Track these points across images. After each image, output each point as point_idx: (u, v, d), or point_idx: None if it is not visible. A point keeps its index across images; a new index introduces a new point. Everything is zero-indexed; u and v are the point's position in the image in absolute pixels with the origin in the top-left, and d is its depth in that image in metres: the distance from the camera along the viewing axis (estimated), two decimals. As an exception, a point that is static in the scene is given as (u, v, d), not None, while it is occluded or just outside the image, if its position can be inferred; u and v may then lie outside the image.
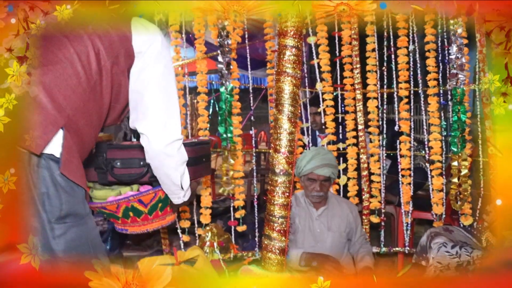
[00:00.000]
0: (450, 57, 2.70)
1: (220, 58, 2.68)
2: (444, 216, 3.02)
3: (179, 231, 3.04)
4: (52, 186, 1.23)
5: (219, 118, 2.75)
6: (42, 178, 1.22)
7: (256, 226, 3.15)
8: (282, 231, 1.77)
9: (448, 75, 2.85)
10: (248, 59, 3.09)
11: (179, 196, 1.62)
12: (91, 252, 1.32)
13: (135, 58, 1.42)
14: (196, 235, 3.02)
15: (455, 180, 2.77)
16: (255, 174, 3.29)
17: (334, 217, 2.65)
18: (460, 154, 2.74)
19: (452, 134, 2.74)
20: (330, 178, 2.62)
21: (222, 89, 2.75)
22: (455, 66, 2.67)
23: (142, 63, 1.43)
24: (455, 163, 2.77)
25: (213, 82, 3.73)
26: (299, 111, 1.84)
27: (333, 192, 2.78)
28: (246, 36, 3.04)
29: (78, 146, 1.34)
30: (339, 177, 3.10)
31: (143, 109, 1.44)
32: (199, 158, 1.73)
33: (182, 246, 3.07)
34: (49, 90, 1.25)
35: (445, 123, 3.01)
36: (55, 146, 1.25)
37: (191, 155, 1.62)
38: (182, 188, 1.58)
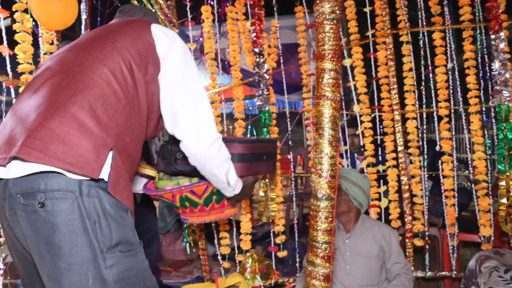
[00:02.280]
0: (492, 73, 2.63)
1: (258, 84, 2.70)
2: (493, 238, 2.90)
3: (219, 257, 3.03)
4: (102, 215, 1.20)
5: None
6: (93, 207, 1.19)
7: (297, 251, 3.11)
8: (326, 257, 1.73)
9: (490, 91, 2.78)
10: (284, 84, 3.10)
11: (229, 190, 1.64)
12: (141, 284, 1.29)
13: (160, 64, 1.43)
14: (237, 261, 2.99)
15: (504, 200, 2.66)
16: (294, 198, 3.26)
17: (365, 241, 2.55)
18: (508, 173, 2.64)
19: (499, 152, 2.64)
20: (356, 199, 2.53)
21: (261, 115, 2.76)
22: (498, 82, 2.59)
23: (166, 68, 1.44)
24: (503, 183, 2.66)
25: (250, 108, 3.76)
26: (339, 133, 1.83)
27: (369, 216, 2.70)
28: (282, 61, 3.05)
29: (127, 162, 1.34)
30: (379, 199, 3.03)
31: (175, 115, 1.43)
32: (257, 155, 1.77)
33: (222, 273, 3.05)
34: (93, 113, 1.24)
35: (489, 141, 2.92)
36: (104, 169, 1.22)
37: (246, 151, 1.69)
38: (229, 183, 1.59)
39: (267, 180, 2.85)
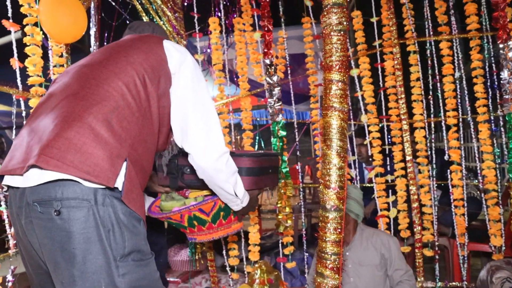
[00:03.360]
0: (502, 82, 2.62)
1: (269, 95, 2.72)
2: (504, 248, 2.87)
3: (228, 268, 3.02)
4: (116, 224, 1.22)
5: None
6: (107, 216, 1.21)
7: (305, 261, 3.09)
8: (335, 269, 1.72)
9: (498, 100, 2.76)
10: (292, 94, 3.10)
11: (237, 203, 1.66)
12: None
13: (172, 79, 1.47)
14: (245, 272, 2.98)
15: (515, 210, 2.64)
16: (303, 209, 3.25)
17: (366, 251, 2.54)
18: (519, 182, 2.62)
19: (510, 162, 2.62)
20: (352, 213, 2.54)
21: (274, 127, 2.77)
22: (507, 91, 2.58)
23: (177, 83, 1.47)
24: (514, 192, 2.64)
25: (257, 119, 3.76)
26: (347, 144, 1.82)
27: (366, 226, 2.68)
28: (289, 72, 3.07)
29: (140, 173, 1.37)
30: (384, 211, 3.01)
31: (185, 128, 1.46)
32: (264, 169, 1.78)
33: (231, 284, 3.04)
34: (108, 124, 1.26)
35: (498, 150, 2.90)
36: (119, 179, 1.24)
37: (254, 165, 1.71)
38: (237, 196, 1.61)
39: (282, 191, 2.85)
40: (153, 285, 1.30)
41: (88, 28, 2.43)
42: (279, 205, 2.89)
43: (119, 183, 1.24)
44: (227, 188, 1.56)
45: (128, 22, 3.04)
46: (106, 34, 3.24)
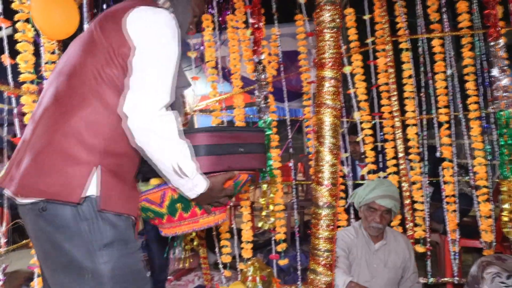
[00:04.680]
0: (492, 79, 2.64)
1: (257, 92, 2.71)
2: (494, 243, 2.90)
3: (220, 266, 3.02)
4: (96, 217, 1.29)
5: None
6: (88, 211, 1.29)
7: (298, 258, 3.10)
8: (328, 265, 1.73)
9: (490, 97, 2.79)
10: (285, 92, 3.11)
11: (188, 187, 1.37)
12: (135, 283, 1.35)
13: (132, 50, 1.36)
14: (238, 269, 2.99)
15: (507, 206, 2.66)
16: (295, 206, 3.26)
17: (391, 253, 2.54)
18: (510, 179, 2.64)
19: (500, 158, 2.64)
20: (391, 211, 2.50)
21: (260, 123, 2.77)
22: (498, 88, 2.60)
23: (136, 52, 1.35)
24: (505, 188, 2.66)
25: (250, 116, 3.77)
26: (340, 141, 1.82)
27: (388, 226, 2.70)
28: (282, 69, 3.07)
29: (123, 170, 1.38)
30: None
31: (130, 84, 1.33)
32: (228, 147, 1.51)
33: (224, 282, 3.04)
34: (77, 137, 1.30)
35: (489, 147, 2.93)
36: (91, 188, 1.29)
37: (212, 142, 1.47)
38: (185, 175, 1.33)
39: (265, 187, 2.85)
40: (136, 275, 1.36)
41: (81, 24, 2.41)
42: (262, 203, 2.89)
43: (92, 191, 1.29)
44: (166, 160, 1.31)
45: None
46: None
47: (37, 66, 2.36)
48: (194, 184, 1.37)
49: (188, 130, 1.44)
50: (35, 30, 2.32)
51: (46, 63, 2.42)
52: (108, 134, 1.33)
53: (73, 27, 2.32)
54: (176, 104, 1.46)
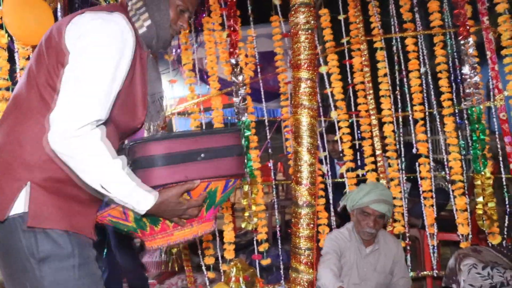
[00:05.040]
0: (463, 77, 2.71)
1: (235, 94, 2.73)
2: (470, 236, 2.97)
3: (203, 268, 3.03)
4: (28, 233, 1.24)
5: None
6: (19, 226, 1.25)
7: (281, 258, 3.12)
8: (309, 263, 1.76)
9: (462, 94, 2.85)
10: (262, 92, 3.13)
11: (131, 204, 1.25)
12: None
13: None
14: (221, 271, 3.00)
15: (480, 199, 2.74)
16: (276, 206, 3.29)
17: (381, 256, 2.54)
18: (483, 173, 2.71)
19: (473, 153, 2.71)
20: (384, 216, 2.48)
21: (239, 124, 2.79)
22: (469, 85, 2.67)
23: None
24: (478, 182, 2.74)
25: (229, 117, 3.78)
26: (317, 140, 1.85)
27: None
28: (259, 70, 3.09)
29: (64, 184, 1.29)
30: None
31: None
32: (184, 154, 1.33)
33: (207, 283, 3.05)
34: (12, 154, 1.27)
35: (463, 142, 3.00)
36: (18, 205, 1.25)
37: (162, 152, 1.31)
38: (116, 196, 1.24)
39: (247, 188, 2.87)
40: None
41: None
42: (244, 203, 2.91)
43: (20, 208, 1.24)
44: (90, 182, 1.22)
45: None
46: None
47: (12, 72, 2.34)
48: (136, 201, 1.25)
49: (140, 139, 1.35)
50: (9, 36, 2.30)
51: (22, 69, 2.40)
52: (47, 149, 1.25)
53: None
54: (153, 110, 1.45)
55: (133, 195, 1.24)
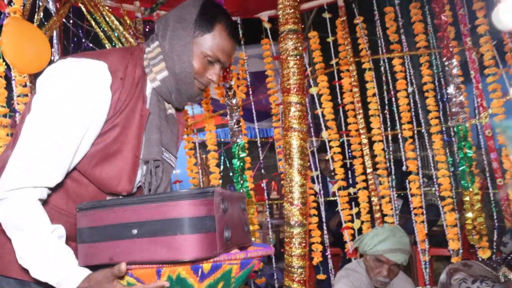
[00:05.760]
0: (449, 96, 2.79)
1: (229, 117, 2.80)
2: (461, 251, 3.02)
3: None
4: None
5: (234, 175, 2.82)
6: None
7: (275, 276, 3.16)
8: (301, 281, 1.81)
9: (448, 112, 2.94)
10: (254, 113, 3.20)
11: (52, 282, 1.03)
12: None
13: None
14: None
15: (469, 214, 2.80)
16: (270, 225, 3.33)
17: None
18: (471, 189, 2.78)
19: (461, 169, 2.78)
20: (400, 264, 2.39)
21: (234, 147, 2.84)
22: (454, 105, 2.76)
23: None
24: (467, 198, 2.80)
25: (222, 139, 3.84)
26: (308, 161, 1.91)
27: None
28: (251, 92, 3.16)
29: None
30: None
31: None
32: (112, 228, 1.03)
33: None
34: None
35: (451, 159, 3.07)
36: None
37: (86, 225, 1.07)
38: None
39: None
40: None
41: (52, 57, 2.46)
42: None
43: None
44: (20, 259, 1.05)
45: (91, 49, 3.09)
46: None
47: (9, 99, 2.39)
48: (56, 282, 1.03)
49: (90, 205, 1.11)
50: (6, 64, 2.36)
51: (18, 96, 2.45)
52: None
53: (45, 60, 2.36)
54: (154, 174, 1.25)
55: (50, 273, 1.03)
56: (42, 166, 1.05)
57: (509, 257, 1.62)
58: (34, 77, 2.55)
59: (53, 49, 2.61)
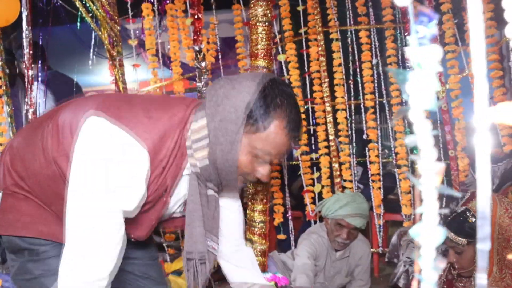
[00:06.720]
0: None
1: (198, 80, 2.85)
2: (413, 216, 3.21)
3: (164, 245, 3.15)
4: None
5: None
6: None
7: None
8: (262, 235, 1.93)
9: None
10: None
11: None
12: None
13: None
14: (182, 247, 3.13)
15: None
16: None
17: (348, 261, 2.60)
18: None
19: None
20: (359, 228, 2.50)
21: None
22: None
23: None
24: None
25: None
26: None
27: None
28: (220, 57, 3.21)
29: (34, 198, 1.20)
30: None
31: None
32: None
33: (168, 259, 3.18)
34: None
35: (409, 129, 3.23)
36: None
37: None
38: None
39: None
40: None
41: (20, 13, 2.44)
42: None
43: None
44: None
45: (61, 6, 3.04)
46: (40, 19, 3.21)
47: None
48: None
49: None
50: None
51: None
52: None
53: (14, 14, 2.35)
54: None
55: None
56: (101, 263, 1.03)
57: (449, 218, 1.79)
58: (1, 31, 2.52)
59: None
